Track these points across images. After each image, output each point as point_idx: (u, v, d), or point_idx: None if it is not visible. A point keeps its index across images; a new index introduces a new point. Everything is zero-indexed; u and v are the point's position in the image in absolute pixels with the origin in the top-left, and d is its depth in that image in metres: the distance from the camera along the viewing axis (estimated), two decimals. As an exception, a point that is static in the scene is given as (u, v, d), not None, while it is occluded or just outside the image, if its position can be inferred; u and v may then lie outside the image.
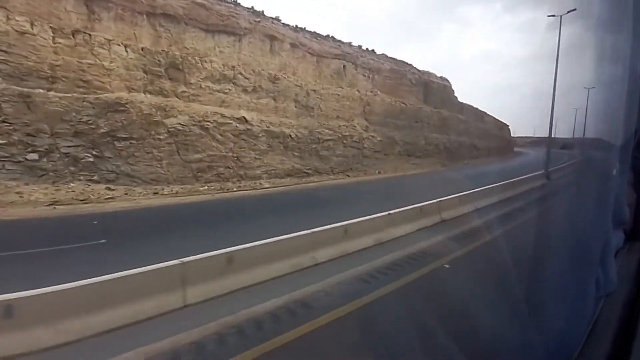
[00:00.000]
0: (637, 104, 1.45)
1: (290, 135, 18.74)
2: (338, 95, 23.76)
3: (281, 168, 17.68)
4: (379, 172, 23.04)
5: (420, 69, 35.44)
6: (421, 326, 3.30)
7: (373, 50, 30.14)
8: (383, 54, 31.32)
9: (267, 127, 17.79)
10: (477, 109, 48.98)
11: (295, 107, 20.95)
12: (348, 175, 20.86)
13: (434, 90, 36.79)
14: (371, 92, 27.67)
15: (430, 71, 37.57)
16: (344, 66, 26.50)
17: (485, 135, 46.23)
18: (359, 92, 26.01)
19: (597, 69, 1.24)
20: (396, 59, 32.42)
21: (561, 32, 17.11)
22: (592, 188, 1.36)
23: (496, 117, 57.06)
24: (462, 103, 43.80)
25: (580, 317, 1.06)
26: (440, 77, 38.84)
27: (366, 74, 28.69)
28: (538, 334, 1.03)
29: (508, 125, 68.25)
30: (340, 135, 21.94)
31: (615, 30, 1.22)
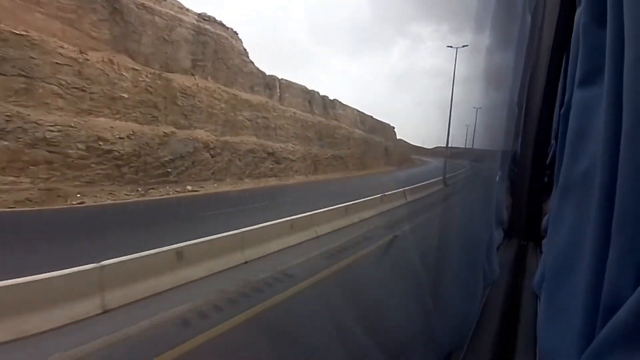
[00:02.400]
0: (513, 125, 1.83)
1: None
2: None
3: None
4: None
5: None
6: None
7: None
8: None
9: None
10: (325, 97, 31.36)
11: None
12: None
13: (178, 38, 17.41)
14: None
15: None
16: None
17: (326, 137, 28.71)
18: None
19: (486, 94, 1.54)
20: None
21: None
22: (480, 193, 1.62)
23: (362, 111, 40.17)
24: (273, 77, 25.33)
25: (473, 302, 1.25)
26: (220, 23, 19.77)
27: None
28: (440, 319, 1.17)
29: (393, 127, 51.82)
30: None
31: (500, 62, 1.54)
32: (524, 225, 2.02)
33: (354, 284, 5.19)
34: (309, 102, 29.31)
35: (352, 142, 33.49)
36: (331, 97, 32.89)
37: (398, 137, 54.37)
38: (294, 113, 25.62)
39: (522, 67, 1.85)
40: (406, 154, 55.00)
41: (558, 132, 1.27)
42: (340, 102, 34.48)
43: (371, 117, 42.87)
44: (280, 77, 26.02)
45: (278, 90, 25.67)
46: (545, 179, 1.92)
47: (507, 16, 1.59)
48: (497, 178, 1.85)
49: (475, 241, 1.37)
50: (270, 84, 25.06)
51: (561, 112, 1.17)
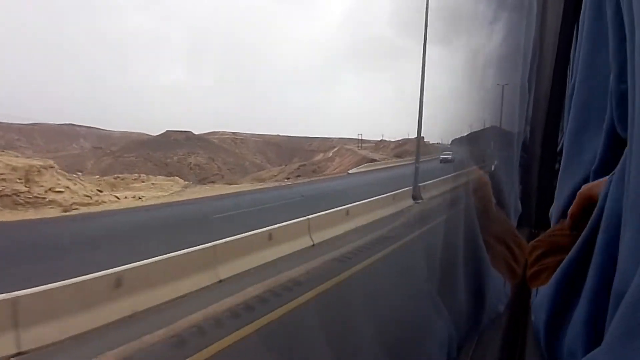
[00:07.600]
0: (525, 112, 1.84)
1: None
2: None
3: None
4: None
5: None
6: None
7: None
8: None
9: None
10: None
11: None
12: None
13: None
14: None
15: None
16: None
17: None
18: None
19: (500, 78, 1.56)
20: None
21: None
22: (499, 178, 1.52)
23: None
24: None
25: (483, 293, 1.22)
26: None
27: None
28: (448, 315, 1.15)
29: None
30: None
31: (511, 42, 1.52)
32: (535, 214, 1.96)
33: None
34: None
35: None
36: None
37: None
38: None
39: (530, 49, 1.80)
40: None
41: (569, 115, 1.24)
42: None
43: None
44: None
45: None
46: (556, 166, 1.85)
47: None
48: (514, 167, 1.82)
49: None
50: None
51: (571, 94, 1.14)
